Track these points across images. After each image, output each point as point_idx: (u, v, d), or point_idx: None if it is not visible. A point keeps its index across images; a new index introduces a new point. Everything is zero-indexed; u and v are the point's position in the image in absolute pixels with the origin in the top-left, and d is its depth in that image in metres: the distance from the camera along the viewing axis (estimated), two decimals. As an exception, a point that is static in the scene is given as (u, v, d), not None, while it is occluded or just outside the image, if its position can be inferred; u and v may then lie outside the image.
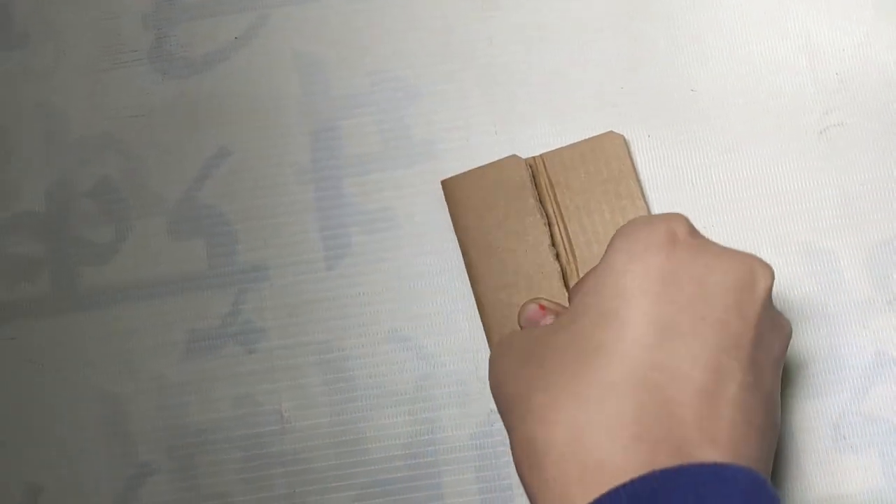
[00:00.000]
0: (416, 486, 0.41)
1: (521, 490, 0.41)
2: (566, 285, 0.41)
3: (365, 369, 0.43)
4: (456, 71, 0.45)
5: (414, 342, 0.43)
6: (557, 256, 0.42)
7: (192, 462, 0.42)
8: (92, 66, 0.47)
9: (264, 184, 0.45)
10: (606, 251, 0.33)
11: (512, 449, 0.31)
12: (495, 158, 0.43)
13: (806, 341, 0.41)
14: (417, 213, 0.44)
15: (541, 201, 0.42)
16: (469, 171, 0.43)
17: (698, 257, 0.31)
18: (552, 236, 0.42)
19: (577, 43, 0.45)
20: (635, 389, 0.29)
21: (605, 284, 0.31)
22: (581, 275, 0.41)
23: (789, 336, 0.34)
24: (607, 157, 0.42)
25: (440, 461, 0.42)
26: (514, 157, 0.43)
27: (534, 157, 0.43)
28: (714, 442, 0.28)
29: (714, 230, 0.42)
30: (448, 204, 0.43)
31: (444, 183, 0.43)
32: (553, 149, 0.43)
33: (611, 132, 0.42)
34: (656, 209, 0.43)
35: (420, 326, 0.43)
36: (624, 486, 0.27)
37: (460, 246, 0.43)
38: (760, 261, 0.32)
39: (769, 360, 0.32)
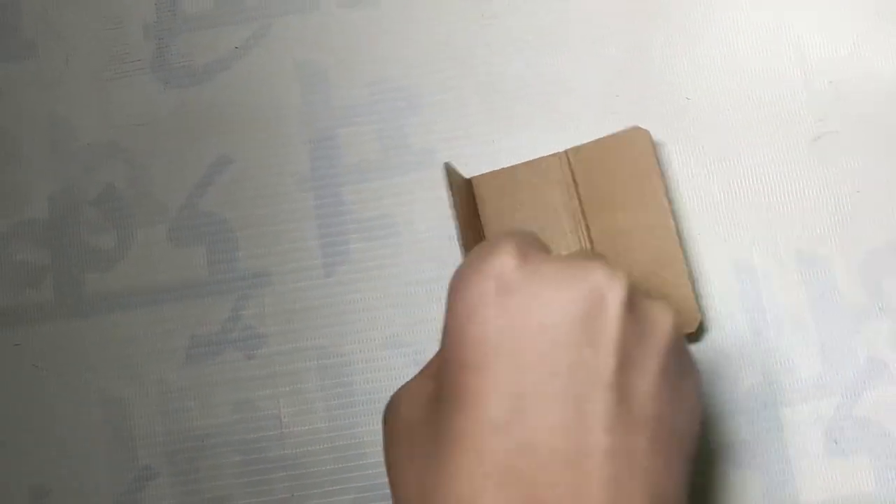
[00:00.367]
0: (413, 490, 0.42)
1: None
2: None
3: (363, 375, 0.43)
4: (455, 80, 0.46)
5: (412, 348, 0.43)
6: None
7: (193, 466, 0.43)
8: (97, 75, 0.47)
9: (265, 192, 0.45)
10: (446, 307, 0.29)
11: None
12: (495, 167, 0.43)
13: (798, 347, 0.42)
14: (416, 220, 0.44)
15: (565, 198, 0.43)
16: (500, 169, 0.43)
17: (534, 298, 0.28)
18: (575, 233, 0.42)
19: (575, 51, 0.46)
20: (499, 487, 0.26)
21: (450, 355, 0.28)
22: None
23: (668, 332, 0.29)
24: (634, 153, 0.41)
25: (437, 465, 0.42)
26: (552, 155, 0.43)
27: (558, 154, 0.43)
28: None
29: (707, 238, 0.43)
30: (478, 202, 0.43)
31: (473, 180, 0.43)
32: (577, 144, 0.43)
33: (637, 127, 0.41)
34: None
35: (418, 333, 0.43)
36: None
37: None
38: (603, 271, 0.28)
39: (647, 377, 0.28)
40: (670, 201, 0.41)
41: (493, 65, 0.46)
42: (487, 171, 0.43)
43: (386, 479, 0.41)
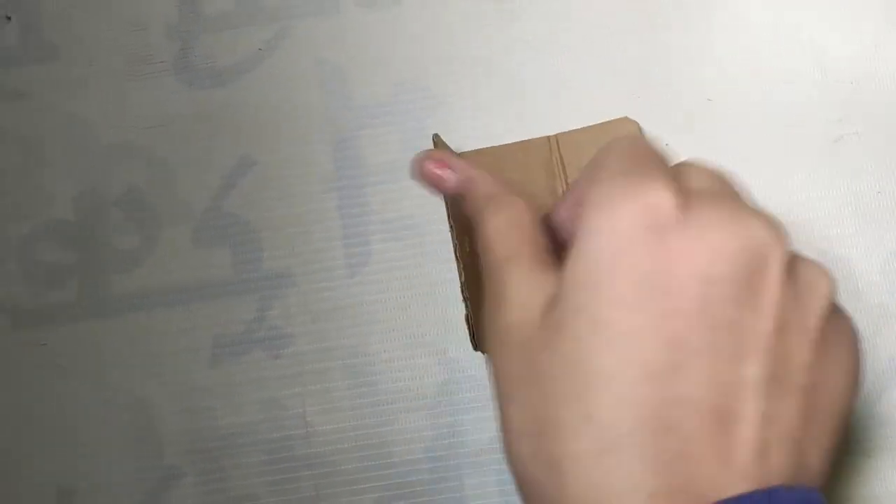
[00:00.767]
0: (438, 488, 0.42)
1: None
2: None
3: (388, 374, 0.44)
4: (475, 81, 0.46)
5: (435, 347, 0.44)
6: None
7: (218, 465, 0.43)
8: (120, 77, 0.48)
9: (288, 193, 0.46)
10: (581, 228, 0.27)
11: (515, 481, 0.28)
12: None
13: (821, 347, 0.42)
14: (438, 220, 0.45)
15: (552, 180, 0.43)
16: (488, 147, 0.44)
17: (697, 243, 0.26)
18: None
19: (595, 53, 0.46)
20: (651, 436, 0.25)
21: (592, 281, 0.26)
22: None
23: (826, 295, 0.28)
24: None
25: (462, 464, 0.42)
26: (541, 138, 0.44)
27: (547, 137, 0.44)
28: (742, 475, 0.25)
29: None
30: None
31: (462, 155, 0.44)
32: (567, 130, 0.44)
33: (626, 118, 0.43)
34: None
35: (441, 332, 0.44)
36: None
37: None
38: (767, 227, 0.27)
39: (802, 343, 0.27)
40: None
41: (513, 66, 0.46)
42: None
43: (410, 479, 0.42)
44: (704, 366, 0.25)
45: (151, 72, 0.48)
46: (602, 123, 0.44)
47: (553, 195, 0.43)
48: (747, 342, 0.25)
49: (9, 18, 0.49)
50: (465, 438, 0.43)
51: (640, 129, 0.43)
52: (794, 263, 0.27)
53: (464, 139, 0.45)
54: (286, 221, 0.45)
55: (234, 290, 0.45)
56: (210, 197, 0.46)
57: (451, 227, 0.40)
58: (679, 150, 0.44)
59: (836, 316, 0.28)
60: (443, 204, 0.40)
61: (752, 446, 0.25)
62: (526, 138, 0.45)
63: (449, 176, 0.34)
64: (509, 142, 0.45)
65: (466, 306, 0.39)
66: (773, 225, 0.27)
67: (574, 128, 0.44)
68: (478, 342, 0.39)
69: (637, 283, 0.25)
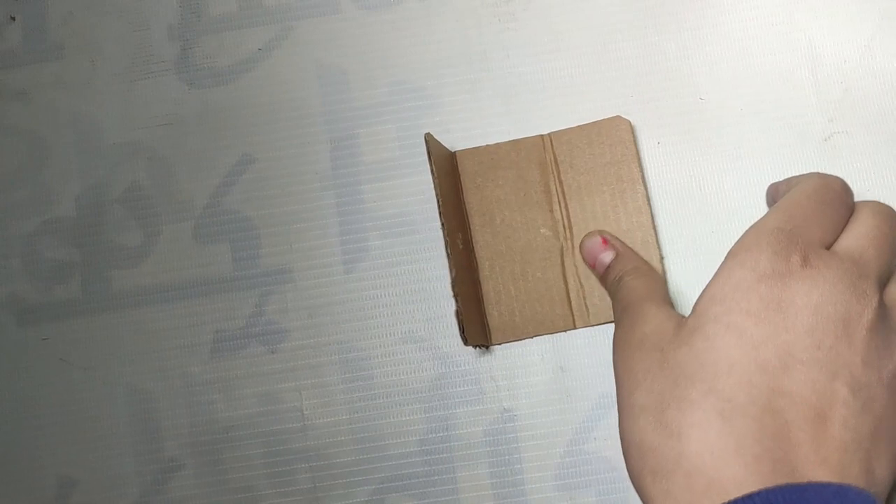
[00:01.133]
0: (432, 480, 0.43)
1: (532, 484, 0.42)
2: (562, 262, 0.43)
3: (382, 368, 0.44)
4: (472, 81, 0.47)
5: (429, 343, 0.44)
6: (556, 233, 0.43)
7: (217, 457, 0.44)
8: (123, 77, 0.48)
9: (287, 190, 0.47)
10: (729, 257, 0.35)
11: (629, 451, 0.34)
12: (509, 165, 0.45)
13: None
14: (432, 218, 0.45)
15: (545, 177, 0.44)
16: (482, 146, 0.45)
17: (813, 289, 0.33)
18: (552, 213, 0.44)
19: (589, 53, 0.46)
20: (761, 413, 0.31)
21: (730, 297, 0.33)
22: (576, 252, 0.44)
23: None
24: (612, 140, 0.44)
25: (455, 457, 0.43)
26: (534, 136, 0.45)
27: (541, 136, 0.45)
28: (826, 464, 0.31)
29: (722, 236, 0.44)
30: (460, 175, 0.45)
31: (457, 154, 0.45)
32: (560, 129, 0.45)
33: (618, 116, 0.44)
34: (666, 216, 0.44)
35: (435, 328, 0.44)
36: (758, 493, 0.29)
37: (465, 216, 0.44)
38: (872, 289, 0.34)
39: (879, 383, 0.33)
40: (646, 188, 0.44)
41: (509, 67, 0.47)
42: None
43: (405, 471, 0.43)
44: (806, 373, 0.32)
45: (153, 71, 0.49)
46: (595, 122, 0.44)
47: (546, 192, 0.44)
48: (840, 366, 0.32)
49: (13, 19, 0.50)
50: (457, 431, 0.43)
51: (632, 127, 0.44)
52: (886, 319, 0.34)
53: (460, 138, 0.46)
54: (284, 218, 0.46)
55: (233, 286, 0.46)
56: (210, 194, 0.47)
57: (442, 224, 0.41)
58: (672, 148, 0.45)
59: None
60: (436, 202, 0.41)
61: (837, 445, 0.31)
62: (519, 137, 0.45)
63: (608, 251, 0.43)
64: (504, 141, 0.45)
65: (456, 301, 0.40)
66: (874, 290, 0.34)
67: (569, 126, 0.45)
68: (468, 337, 0.40)
69: (765, 303, 0.33)
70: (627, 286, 0.40)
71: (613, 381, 0.36)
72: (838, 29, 0.45)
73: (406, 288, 0.45)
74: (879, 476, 0.32)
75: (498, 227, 0.44)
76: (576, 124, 0.45)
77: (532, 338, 0.44)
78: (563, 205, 0.44)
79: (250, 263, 0.46)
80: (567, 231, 0.44)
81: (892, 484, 0.33)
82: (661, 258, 0.43)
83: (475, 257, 0.44)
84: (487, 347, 0.44)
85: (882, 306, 0.34)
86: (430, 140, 0.41)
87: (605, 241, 0.42)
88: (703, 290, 0.35)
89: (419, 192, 0.46)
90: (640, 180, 0.44)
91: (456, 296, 0.40)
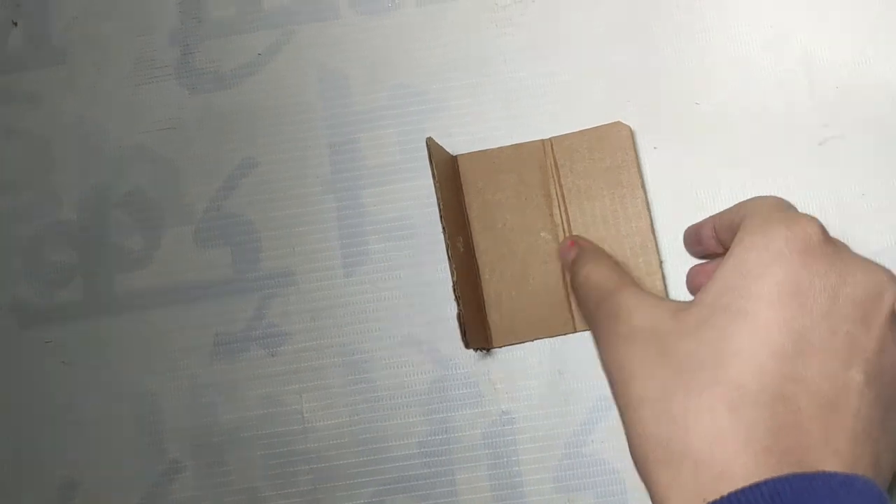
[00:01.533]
0: (431, 482, 0.43)
1: (531, 486, 0.43)
2: (562, 266, 0.44)
3: (383, 371, 0.45)
4: (472, 86, 0.47)
5: (429, 346, 0.45)
6: (556, 237, 0.44)
7: (220, 459, 0.45)
8: (126, 81, 0.49)
9: (288, 194, 0.47)
10: (738, 245, 0.34)
11: (634, 442, 0.33)
12: (508, 169, 0.45)
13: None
14: (432, 222, 0.46)
15: (545, 182, 0.45)
16: (483, 150, 0.46)
17: (831, 268, 0.32)
18: (552, 217, 0.44)
19: (587, 59, 0.47)
20: (772, 401, 0.30)
21: (741, 284, 0.32)
22: None
23: None
24: (613, 146, 0.45)
25: (454, 459, 0.44)
26: (535, 141, 0.45)
27: (542, 140, 0.45)
28: (836, 453, 0.30)
29: (718, 239, 0.44)
30: (461, 179, 0.45)
31: (458, 158, 0.45)
32: (561, 134, 0.45)
33: (618, 122, 0.44)
34: (663, 220, 0.44)
35: (435, 331, 0.45)
36: (766, 483, 0.29)
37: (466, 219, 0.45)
38: (888, 273, 0.33)
39: (892, 370, 0.33)
40: (646, 193, 0.44)
41: (508, 71, 0.47)
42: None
43: (405, 473, 0.43)
44: (821, 360, 0.31)
45: (155, 76, 0.49)
46: (596, 127, 0.45)
47: (546, 196, 0.45)
48: (856, 352, 0.32)
49: (15, 24, 0.50)
50: (457, 434, 0.44)
51: (632, 132, 0.44)
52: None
53: (460, 143, 0.46)
54: (285, 222, 0.47)
55: (235, 289, 0.46)
56: (211, 198, 0.47)
57: (443, 228, 0.41)
58: (668, 153, 0.45)
59: None
60: (436, 206, 0.41)
61: (849, 435, 0.31)
62: (520, 141, 0.46)
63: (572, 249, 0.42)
64: (505, 145, 0.46)
65: (458, 305, 0.40)
66: (891, 275, 0.33)
67: (566, 131, 0.45)
68: (469, 340, 0.40)
69: (777, 286, 0.32)
70: (593, 278, 0.39)
71: (610, 382, 0.36)
72: (833, 34, 0.46)
73: (406, 291, 0.45)
74: (885, 464, 0.32)
75: (499, 231, 0.45)
76: (575, 128, 0.45)
77: (532, 341, 0.44)
78: (563, 209, 0.45)
79: (251, 267, 0.46)
80: (567, 235, 0.44)
81: (894, 470, 0.33)
82: (661, 262, 0.44)
83: (476, 261, 0.44)
84: (488, 350, 0.44)
85: None
86: (431, 144, 0.42)
87: (572, 242, 0.42)
88: (711, 280, 0.34)
89: (420, 196, 0.46)
90: (640, 185, 0.44)
91: (457, 299, 0.40)
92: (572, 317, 0.44)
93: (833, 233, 0.43)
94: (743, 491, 0.29)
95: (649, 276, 0.43)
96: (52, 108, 0.49)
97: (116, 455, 0.45)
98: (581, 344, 0.44)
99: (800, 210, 0.43)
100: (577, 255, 0.41)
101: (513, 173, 0.45)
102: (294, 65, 0.48)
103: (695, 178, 0.45)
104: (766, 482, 0.29)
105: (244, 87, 0.48)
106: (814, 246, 0.33)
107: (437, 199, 0.41)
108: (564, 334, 0.44)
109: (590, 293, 0.39)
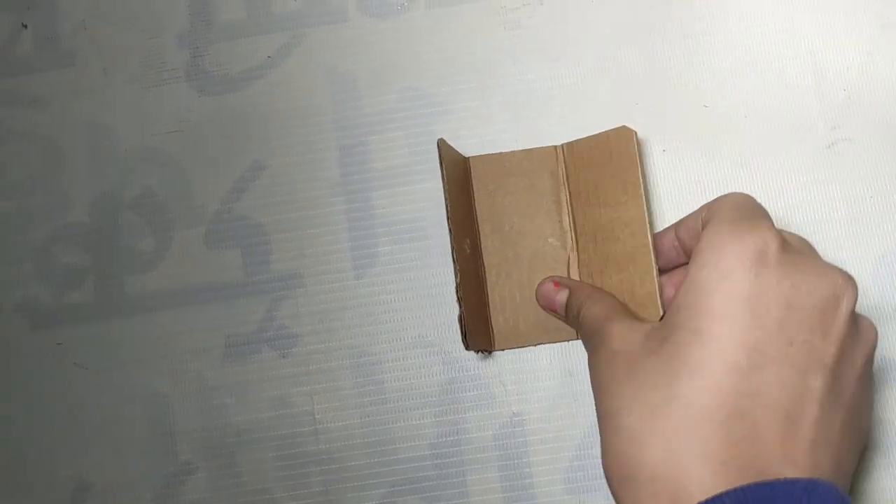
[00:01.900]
0: (442, 484, 0.44)
1: (542, 488, 0.43)
2: (569, 272, 0.44)
3: (393, 373, 0.45)
4: (480, 88, 0.47)
5: (439, 348, 0.45)
6: (564, 244, 0.44)
7: (231, 461, 0.45)
8: (135, 84, 0.49)
9: (297, 196, 0.47)
10: (693, 262, 0.34)
11: (602, 457, 0.34)
12: (517, 171, 0.45)
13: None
14: (442, 224, 0.46)
15: (556, 188, 0.45)
16: (495, 154, 0.46)
17: (785, 278, 0.32)
18: (561, 223, 0.44)
19: (595, 61, 0.47)
20: (727, 417, 0.31)
21: (695, 302, 0.33)
22: (581, 263, 0.44)
23: (873, 344, 0.35)
24: (619, 150, 0.43)
25: (465, 461, 0.44)
26: (547, 147, 0.45)
27: (554, 147, 0.45)
28: (795, 463, 0.31)
29: (726, 241, 0.44)
30: (472, 181, 0.45)
31: (470, 160, 0.45)
32: (573, 140, 0.45)
33: (624, 126, 0.43)
34: (671, 222, 0.45)
35: (445, 333, 0.45)
36: (727, 493, 0.29)
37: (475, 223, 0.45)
38: (844, 277, 0.33)
39: (851, 373, 0.33)
40: (646, 198, 0.43)
41: (517, 74, 0.47)
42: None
43: (416, 475, 0.44)
44: (777, 371, 0.31)
45: (164, 78, 0.49)
46: (602, 133, 0.45)
47: (556, 202, 0.45)
48: (814, 360, 0.32)
49: (25, 26, 0.50)
50: (467, 436, 0.44)
51: (636, 136, 0.44)
52: (855, 314, 0.34)
53: (469, 145, 0.47)
54: (295, 224, 0.47)
55: (245, 291, 0.46)
56: (222, 200, 0.47)
57: (450, 229, 0.41)
58: (676, 155, 0.45)
59: (871, 361, 0.35)
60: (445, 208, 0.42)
61: (807, 444, 0.31)
62: (528, 144, 0.46)
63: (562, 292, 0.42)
64: (513, 147, 0.46)
65: (460, 306, 0.40)
66: (848, 278, 0.33)
67: (575, 133, 0.46)
68: (469, 342, 0.40)
69: (730, 302, 0.32)
70: (587, 315, 0.40)
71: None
72: (841, 36, 0.46)
73: (416, 293, 0.46)
74: (846, 466, 0.33)
75: (507, 234, 0.45)
76: (582, 130, 0.46)
77: (535, 346, 0.44)
78: (571, 216, 0.45)
79: (262, 269, 0.47)
80: (574, 242, 0.44)
81: (854, 469, 0.33)
82: (656, 271, 0.41)
83: (483, 263, 0.45)
84: (490, 353, 0.44)
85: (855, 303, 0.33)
86: (442, 146, 0.42)
87: (557, 284, 0.42)
88: (674, 297, 0.35)
89: (429, 198, 0.46)
90: (640, 192, 0.42)
91: (459, 300, 0.40)
92: None
93: (841, 236, 0.44)
94: (705, 503, 0.29)
95: (643, 284, 0.41)
96: (62, 111, 0.49)
97: (128, 457, 0.45)
98: (591, 346, 0.44)
99: (802, 213, 0.44)
100: (568, 297, 0.42)
101: (524, 177, 0.45)
102: (303, 67, 0.49)
103: (703, 180, 0.45)
104: (726, 493, 0.29)
105: (254, 89, 0.49)
106: (767, 256, 0.33)
107: (445, 199, 0.41)
108: (567, 341, 0.44)
109: (584, 330, 0.40)
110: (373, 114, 0.48)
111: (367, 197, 0.47)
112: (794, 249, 0.34)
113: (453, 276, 0.45)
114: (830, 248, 0.44)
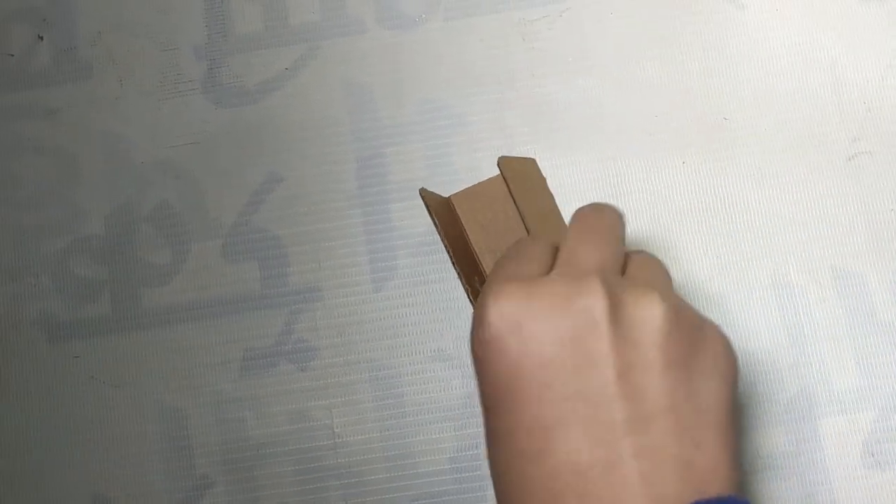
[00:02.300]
0: (462, 498, 0.43)
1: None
2: None
3: (413, 386, 0.45)
4: (498, 101, 0.47)
5: (459, 361, 0.45)
6: None
7: (249, 475, 0.45)
8: (152, 96, 0.49)
9: (315, 209, 0.47)
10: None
11: None
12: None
13: (834, 361, 0.43)
14: (460, 236, 0.46)
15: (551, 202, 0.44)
16: (474, 185, 0.43)
17: (530, 337, 0.29)
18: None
19: (613, 73, 0.47)
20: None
21: (480, 397, 0.32)
22: None
23: (658, 323, 0.29)
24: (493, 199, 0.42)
25: (485, 475, 0.43)
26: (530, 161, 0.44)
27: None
28: None
29: (745, 254, 0.44)
30: (461, 218, 0.44)
31: (451, 199, 0.44)
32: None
33: (497, 176, 0.41)
34: (690, 234, 0.44)
35: (464, 346, 0.45)
36: None
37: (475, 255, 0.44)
38: (584, 290, 0.30)
39: (649, 371, 0.29)
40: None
41: (535, 87, 0.47)
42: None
43: (436, 489, 0.44)
44: (572, 434, 0.28)
45: (181, 90, 0.49)
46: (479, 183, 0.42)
47: (553, 216, 0.44)
48: (600, 395, 0.28)
49: (41, 38, 0.50)
50: (488, 450, 0.44)
51: (505, 179, 0.41)
52: (620, 308, 0.29)
53: (485, 158, 0.47)
54: (313, 237, 0.47)
55: (263, 304, 0.46)
56: (238, 212, 0.47)
57: (458, 274, 0.40)
58: (696, 167, 0.45)
59: (681, 332, 0.30)
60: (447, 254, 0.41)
61: (641, 480, 0.27)
62: (546, 156, 0.46)
63: None
64: (537, 161, 0.45)
65: (467, 292, 0.40)
66: (588, 285, 0.29)
67: (592, 146, 0.45)
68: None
69: (496, 387, 0.30)
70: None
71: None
72: (861, 49, 0.46)
73: (435, 306, 0.45)
74: (713, 468, 0.28)
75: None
76: (601, 141, 0.45)
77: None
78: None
79: (279, 282, 0.46)
80: None
81: (736, 448, 0.29)
82: None
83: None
84: None
85: (613, 302, 0.29)
86: (425, 194, 0.40)
87: None
88: None
89: (447, 211, 0.46)
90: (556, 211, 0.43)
91: (462, 279, 0.40)
92: None
93: (861, 249, 0.44)
94: None
95: None
96: (78, 123, 0.49)
97: (146, 471, 0.45)
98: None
99: (822, 226, 0.44)
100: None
101: (508, 201, 0.44)
102: (320, 79, 0.48)
103: (723, 193, 0.45)
104: None
105: (270, 101, 0.49)
106: (509, 317, 0.29)
107: (445, 246, 0.40)
108: None
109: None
110: (390, 126, 0.48)
111: (384, 209, 0.47)
112: (531, 287, 0.30)
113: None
114: (850, 261, 0.44)
